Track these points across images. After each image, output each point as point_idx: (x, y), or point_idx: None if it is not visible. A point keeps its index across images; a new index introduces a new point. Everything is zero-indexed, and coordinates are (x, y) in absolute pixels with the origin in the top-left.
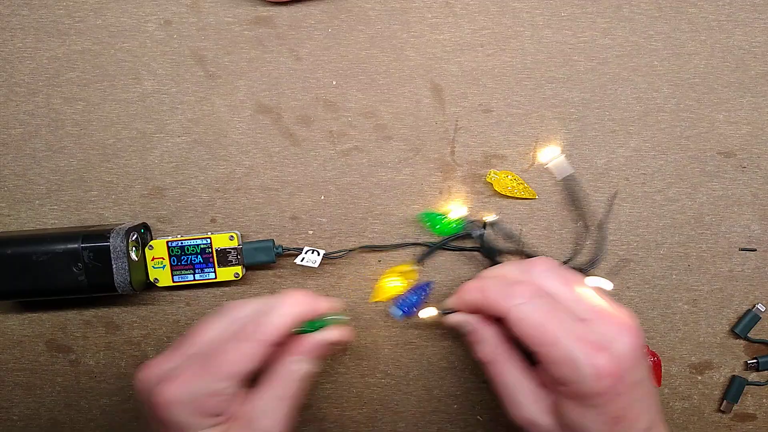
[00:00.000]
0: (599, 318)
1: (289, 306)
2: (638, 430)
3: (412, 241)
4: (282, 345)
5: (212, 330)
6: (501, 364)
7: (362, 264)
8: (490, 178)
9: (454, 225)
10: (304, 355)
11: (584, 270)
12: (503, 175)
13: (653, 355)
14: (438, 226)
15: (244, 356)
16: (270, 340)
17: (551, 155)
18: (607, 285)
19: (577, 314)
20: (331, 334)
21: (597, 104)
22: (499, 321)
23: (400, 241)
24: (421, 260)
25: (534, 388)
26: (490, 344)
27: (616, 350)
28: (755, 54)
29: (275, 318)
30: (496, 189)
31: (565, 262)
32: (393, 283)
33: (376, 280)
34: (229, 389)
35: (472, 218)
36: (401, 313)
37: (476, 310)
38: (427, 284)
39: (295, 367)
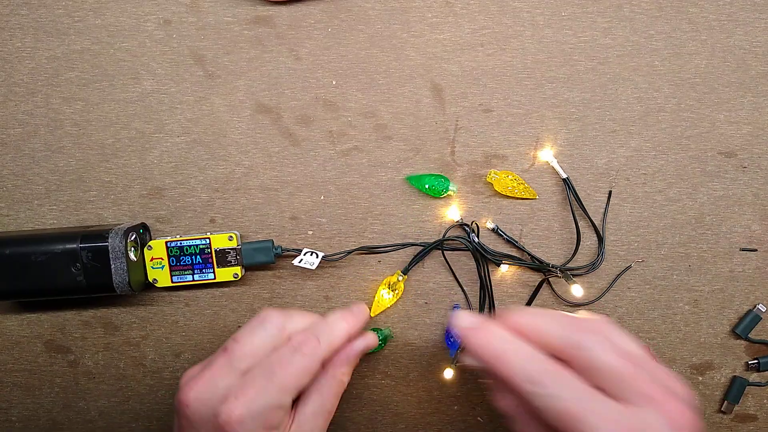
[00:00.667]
0: (650, 403)
1: (341, 327)
2: None
3: (411, 241)
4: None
5: (258, 341)
6: (523, 418)
7: (362, 264)
8: (491, 178)
9: (443, 182)
10: (348, 366)
11: (581, 274)
12: (503, 175)
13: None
14: (427, 186)
15: (306, 372)
16: (326, 358)
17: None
18: (578, 291)
19: (622, 394)
20: (368, 342)
21: (597, 104)
22: None
23: (400, 242)
24: (406, 271)
25: None
26: (511, 398)
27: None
28: (756, 54)
29: (331, 338)
30: (497, 189)
31: (565, 265)
32: (386, 296)
33: (376, 280)
34: (289, 402)
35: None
36: (456, 348)
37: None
38: (456, 307)
39: (344, 379)
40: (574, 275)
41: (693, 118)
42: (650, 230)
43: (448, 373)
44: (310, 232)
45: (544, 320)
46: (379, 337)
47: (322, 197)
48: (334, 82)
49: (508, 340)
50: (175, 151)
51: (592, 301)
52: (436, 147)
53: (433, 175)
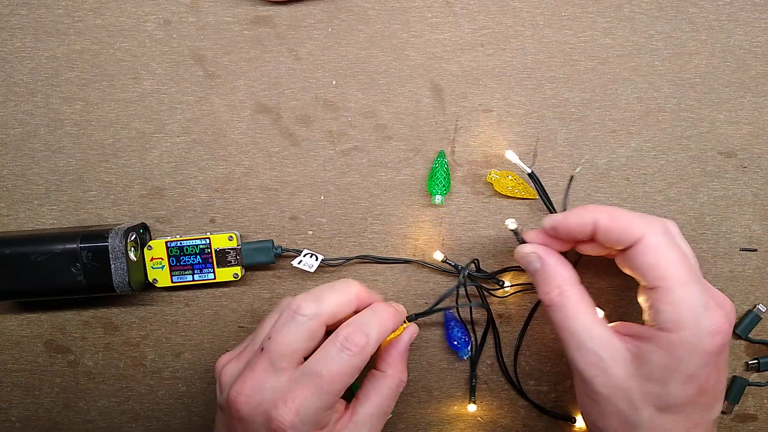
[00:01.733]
0: (709, 286)
1: (387, 320)
2: (711, 414)
3: (407, 258)
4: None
5: (294, 337)
6: (571, 306)
7: (362, 265)
8: (491, 178)
9: (435, 188)
10: (404, 363)
11: None
12: (503, 175)
13: None
14: (432, 182)
15: (353, 370)
16: (372, 353)
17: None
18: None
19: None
20: (413, 331)
21: (597, 104)
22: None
23: (400, 242)
24: (411, 319)
25: (609, 335)
26: (560, 281)
27: (729, 315)
28: (756, 54)
29: (378, 332)
30: (497, 189)
31: None
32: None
33: (376, 280)
34: (337, 401)
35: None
36: (466, 347)
37: (572, 238)
38: (447, 310)
39: (404, 377)
40: None
41: (693, 118)
42: None
43: (471, 408)
44: (310, 232)
45: (624, 210)
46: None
47: (322, 197)
48: (334, 82)
49: (610, 208)
50: (175, 151)
51: None
52: (436, 147)
53: (440, 177)
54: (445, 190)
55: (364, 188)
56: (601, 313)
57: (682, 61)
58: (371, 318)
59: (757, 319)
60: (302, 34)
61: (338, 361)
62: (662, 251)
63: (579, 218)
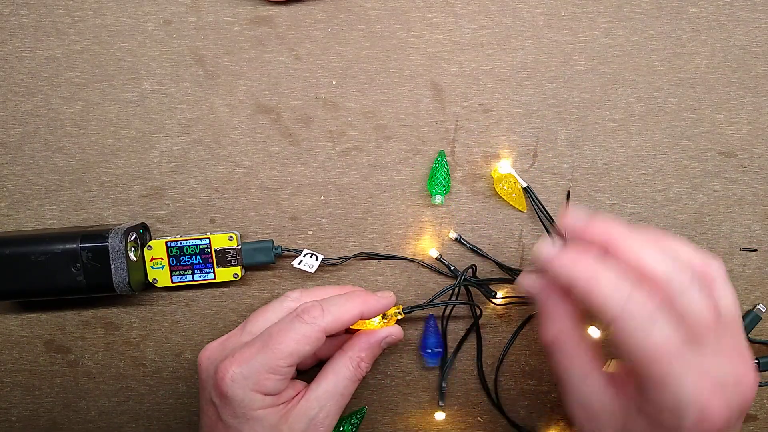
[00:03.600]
0: (725, 353)
1: (354, 303)
2: None
3: (406, 256)
4: (339, 341)
5: (273, 312)
6: (569, 350)
7: (362, 264)
8: (494, 173)
9: (435, 188)
10: (370, 353)
11: None
12: (507, 177)
13: None
14: (432, 182)
15: (303, 338)
16: (329, 329)
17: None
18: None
19: (705, 342)
20: (391, 331)
21: (597, 104)
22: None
23: (400, 242)
24: (407, 311)
25: (603, 385)
26: (560, 324)
27: (731, 399)
28: (756, 54)
29: (339, 310)
30: (495, 187)
31: None
32: (375, 321)
33: (376, 280)
34: (285, 370)
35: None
36: (435, 358)
37: (563, 286)
38: (431, 317)
39: (362, 366)
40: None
41: (693, 118)
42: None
43: (439, 416)
44: (310, 232)
45: (648, 251)
46: (353, 420)
47: (322, 197)
48: (334, 82)
49: (597, 269)
50: (175, 151)
51: None
52: (436, 147)
53: (440, 177)
54: (445, 190)
55: (364, 188)
56: (597, 332)
57: (682, 61)
58: (337, 299)
59: (757, 319)
60: (302, 34)
61: (290, 326)
62: (638, 340)
63: (559, 270)
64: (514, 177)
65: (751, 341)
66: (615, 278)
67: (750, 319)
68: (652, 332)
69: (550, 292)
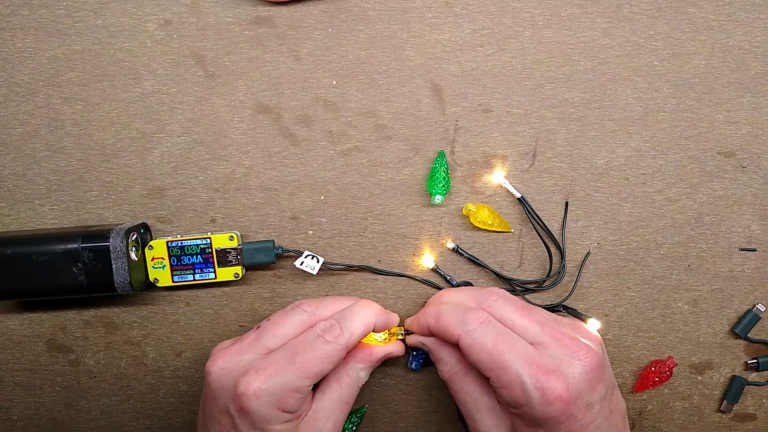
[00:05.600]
0: (553, 341)
1: (369, 317)
2: None
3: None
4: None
5: (290, 325)
6: (459, 382)
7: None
8: (467, 211)
9: (435, 188)
10: (370, 365)
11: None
12: (480, 209)
13: (669, 363)
14: (433, 182)
15: (327, 358)
16: (348, 347)
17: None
18: (594, 324)
19: (530, 339)
20: (393, 348)
21: (597, 104)
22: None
23: (400, 242)
24: (409, 333)
25: (492, 407)
26: (447, 363)
27: (567, 373)
28: (755, 54)
29: (358, 327)
30: (472, 222)
31: (529, 290)
32: (377, 337)
33: (376, 280)
34: (307, 389)
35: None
36: (419, 363)
37: (433, 334)
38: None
39: (362, 375)
40: (540, 288)
41: (692, 118)
42: (649, 230)
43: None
44: (311, 232)
45: (458, 292)
46: (353, 419)
47: (322, 197)
48: (334, 82)
49: (438, 309)
50: (176, 151)
51: (564, 300)
52: (436, 147)
53: (440, 177)
54: (445, 190)
55: (364, 188)
56: (597, 324)
57: (682, 62)
58: (348, 314)
59: (757, 318)
60: (302, 34)
61: (313, 345)
62: (477, 348)
63: (419, 324)
64: (487, 207)
65: (750, 341)
66: (450, 311)
67: (749, 319)
68: (489, 339)
69: (434, 342)
